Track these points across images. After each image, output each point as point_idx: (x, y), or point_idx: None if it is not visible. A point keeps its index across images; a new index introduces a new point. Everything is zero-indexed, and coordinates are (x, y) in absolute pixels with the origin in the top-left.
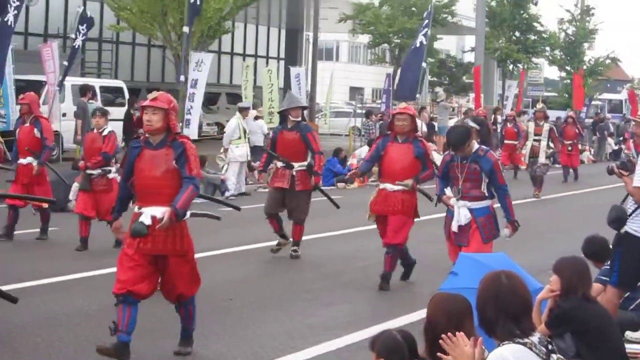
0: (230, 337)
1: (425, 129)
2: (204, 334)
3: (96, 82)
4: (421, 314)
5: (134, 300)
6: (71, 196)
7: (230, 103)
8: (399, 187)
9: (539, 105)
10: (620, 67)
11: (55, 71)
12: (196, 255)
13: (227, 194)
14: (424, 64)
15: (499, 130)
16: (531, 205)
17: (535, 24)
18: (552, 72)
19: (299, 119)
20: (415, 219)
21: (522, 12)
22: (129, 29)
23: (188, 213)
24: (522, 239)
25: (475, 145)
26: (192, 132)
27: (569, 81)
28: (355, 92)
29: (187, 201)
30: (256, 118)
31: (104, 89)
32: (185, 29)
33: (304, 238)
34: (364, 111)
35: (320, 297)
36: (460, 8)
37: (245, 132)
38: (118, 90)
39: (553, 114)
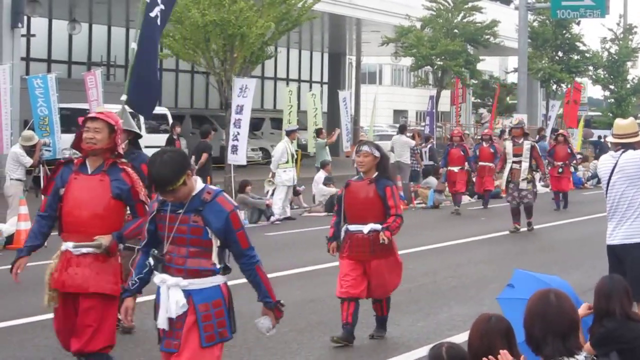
0: None
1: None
2: (250, 359)
3: None
4: (466, 335)
5: None
6: None
7: (275, 128)
8: (87, 250)
9: (516, 121)
10: None
11: (98, 99)
12: (243, 280)
13: (272, 218)
14: None
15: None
16: (563, 227)
17: (578, 44)
18: (595, 92)
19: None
20: (451, 242)
21: (564, 32)
22: (172, 55)
23: None
24: (565, 259)
25: (199, 185)
26: (240, 158)
27: (612, 100)
28: (399, 114)
29: None
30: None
31: None
32: None
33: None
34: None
35: (367, 320)
36: (503, 29)
37: (292, 156)
38: (162, 117)
39: (598, 133)
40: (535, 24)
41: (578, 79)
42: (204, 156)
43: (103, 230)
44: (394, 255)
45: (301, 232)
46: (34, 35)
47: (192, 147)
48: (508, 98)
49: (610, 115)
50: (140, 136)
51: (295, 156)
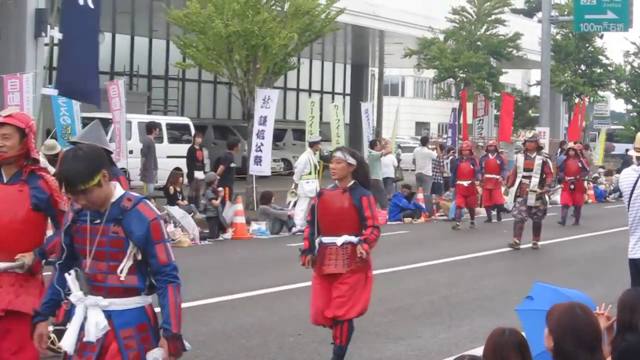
0: None
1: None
2: None
3: (162, 120)
4: None
5: None
6: None
7: (297, 139)
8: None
9: (530, 134)
10: None
11: (121, 109)
12: (265, 291)
13: (294, 229)
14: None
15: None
16: (585, 241)
17: (601, 57)
18: (618, 105)
19: None
20: (472, 254)
21: (587, 45)
22: (194, 66)
23: None
24: (586, 273)
25: (119, 192)
26: (264, 169)
27: (635, 114)
28: (421, 127)
29: None
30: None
31: (170, 126)
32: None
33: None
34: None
35: (389, 332)
36: (526, 42)
37: (315, 167)
38: (184, 127)
39: (620, 147)
40: (559, 37)
41: (600, 92)
42: (221, 168)
43: (22, 244)
44: (367, 272)
45: None
46: (57, 45)
47: (214, 158)
48: (530, 111)
49: (633, 128)
50: (110, 152)
51: (318, 167)
